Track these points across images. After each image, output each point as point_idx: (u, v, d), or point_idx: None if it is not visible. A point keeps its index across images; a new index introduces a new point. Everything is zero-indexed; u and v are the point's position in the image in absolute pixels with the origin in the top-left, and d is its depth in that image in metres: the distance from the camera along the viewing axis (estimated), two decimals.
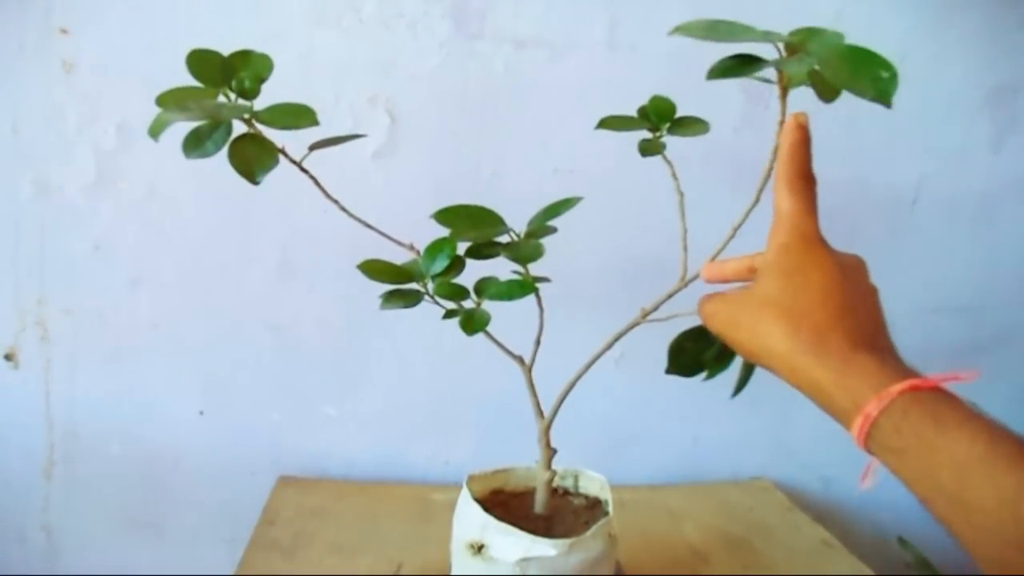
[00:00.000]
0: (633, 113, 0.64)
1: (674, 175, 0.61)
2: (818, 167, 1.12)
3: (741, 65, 0.48)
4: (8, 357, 0.98)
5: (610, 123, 0.63)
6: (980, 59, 1.03)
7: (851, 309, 0.43)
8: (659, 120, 0.63)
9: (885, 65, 0.41)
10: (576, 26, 0.94)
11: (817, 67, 0.45)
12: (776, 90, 0.51)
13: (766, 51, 0.48)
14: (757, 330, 0.44)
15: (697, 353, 0.57)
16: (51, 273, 0.95)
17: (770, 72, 0.50)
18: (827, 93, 0.50)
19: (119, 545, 1.05)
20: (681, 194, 0.60)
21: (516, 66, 0.94)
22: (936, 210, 1.07)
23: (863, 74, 0.41)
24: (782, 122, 0.50)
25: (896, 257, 1.08)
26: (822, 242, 0.45)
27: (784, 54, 0.47)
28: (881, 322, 0.44)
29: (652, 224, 0.81)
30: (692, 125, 0.63)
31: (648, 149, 0.63)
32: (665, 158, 0.62)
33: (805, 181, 0.47)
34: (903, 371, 0.39)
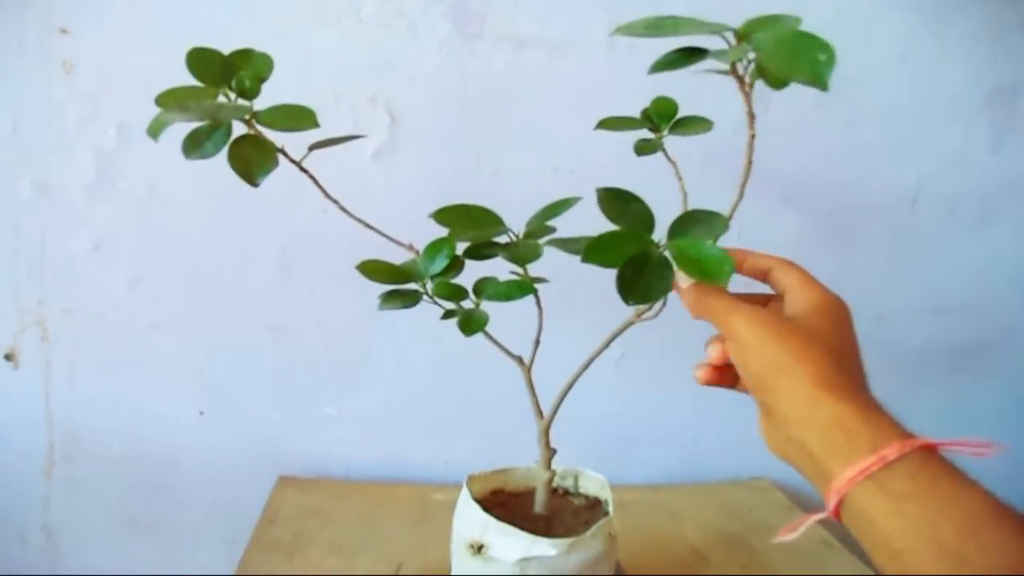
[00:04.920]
0: (633, 112, 0.62)
1: (678, 175, 0.60)
2: (819, 168, 1.12)
3: (685, 57, 0.48)
4: (8, 357, 0.98)
5: (609, 124, 0.61)
6: (980, 59, 1.03)
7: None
8: (661, 121, 0.61)
9: (823, 48, 0.40)
10: (576, 26, 0.94)
11: (755, 55, 0.44)
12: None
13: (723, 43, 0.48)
14: (798, 348, 0.44)
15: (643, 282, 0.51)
16: (51, 273, 0.95)
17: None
18: (773, 81, 0.49)
19: (119, 545, 1.05)
20: (685, 193, 0.60)
21: (516, 66, 0.94)
22: (936, 210, 1.07)
23: (800, 59, 0.41)
24: (749, 114, 0.50)
25: (896, 257, 1.08)
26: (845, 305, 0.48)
27: (734, 44, 0.47)
28: None
29: None
30: (694, 124, 0.61)
31: (645, 149, 0.61)
32: (668, 157, 0.61)
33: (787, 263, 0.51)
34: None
